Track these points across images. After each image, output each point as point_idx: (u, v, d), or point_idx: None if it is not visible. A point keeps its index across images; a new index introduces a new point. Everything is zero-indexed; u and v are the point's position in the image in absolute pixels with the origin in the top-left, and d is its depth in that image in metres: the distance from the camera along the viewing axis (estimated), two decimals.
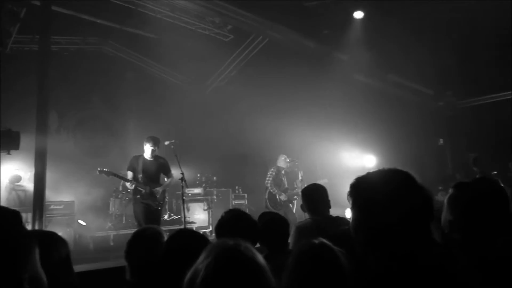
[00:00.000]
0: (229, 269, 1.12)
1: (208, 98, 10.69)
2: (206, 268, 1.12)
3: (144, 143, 5.70)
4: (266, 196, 7.34)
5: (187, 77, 10.83)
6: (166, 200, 6.20)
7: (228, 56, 9.77)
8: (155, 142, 5.68)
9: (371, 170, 1.34)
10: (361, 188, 1.28)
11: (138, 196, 5.62)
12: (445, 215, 1.83)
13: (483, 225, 1.60)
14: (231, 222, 2.47)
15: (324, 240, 1.62)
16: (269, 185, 7.33)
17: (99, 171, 5.67)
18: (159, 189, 5.75)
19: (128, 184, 5.63)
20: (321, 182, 7.63)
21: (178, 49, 8.49)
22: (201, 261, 1.16)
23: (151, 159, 5.73)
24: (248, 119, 9.70)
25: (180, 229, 2.25)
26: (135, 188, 5.60)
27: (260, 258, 1.18)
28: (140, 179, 5.64)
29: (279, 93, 9.22)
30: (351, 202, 1.30)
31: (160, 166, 5.86)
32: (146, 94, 9.60)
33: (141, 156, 5.75)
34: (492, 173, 8.76)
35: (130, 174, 5.68)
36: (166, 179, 6.01)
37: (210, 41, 8.67)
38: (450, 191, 1.86)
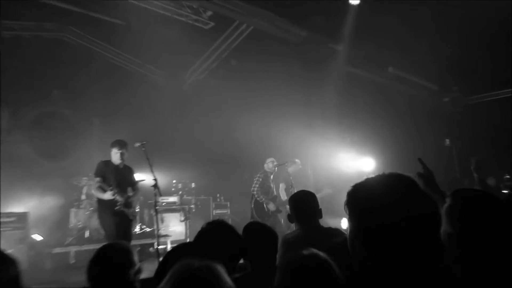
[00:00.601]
0: None
1: (185, 94, 10.63)
2: None
3: (110, 148, 5.67)
4: (252, 205, 7.32)
5: (161, 69, 10.75)
6: (137, 211, 6.16)
7: (208, 46, 9.72)
8: (122, 145, 5.66)
9: (370, 175, 1.33)
10: (359, 197, 1.28)
11: (117, 208, 5.56)
12: (444, 228, 1.83)
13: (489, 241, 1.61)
14: (211, 235, 2.44)
15: (315, 251, 1.61)
16: (255, 192, 7.30)
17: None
18: (134, 199, 5.78)
19: (108, 193, 5.47)
20: (323, 193, 7.73)
21: (151, 38, 8.42)
22: (162, 285, 1.15)
23: (122, 166, 5.74)
24: (231, 117, 9.67)
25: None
26: (114, 198, 5.52)
27: (225, 280, 1.18)
28: (113, 189, 5.58)
29: (265, 88, 9.22)
30: (348, 211, 1.30)
31: (130, 174, 5.89)
32: (114, 89, 9.47)
33: (110, 162, 5.71)
34: (505, 177, 8.92)
35: (99, 181, 5.60)
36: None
37: (187, 29, 8.60)
38: (448, 200, 1.87)
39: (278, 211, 7.38)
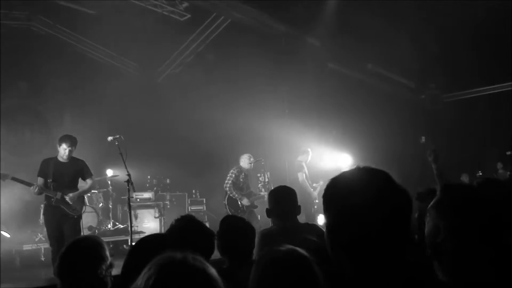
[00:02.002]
0: (174, 284, 1.10)
1: (159, 87, 10.54)
2: (146, 283, 1.10)
3: (58, 143, 5.63)
4: (226, 202, 7.33)
5: (135, 62, 10.61)
6: (85, 208, 6.11)
7: (183, 38, 9.66)
8: (72, 142, 5.62)
9: (346, 170, 1.35)
10: (336, 191, 1.28)
11: (45, 203, 5.62)
12: (434, 222, 1.86)
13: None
14: (182, 231, 2.44)
15: (293, 247, 1.63)
16: (227, 188, 7.31)
17: None
18: (72, 195, 5.65)
19: (31, 189, 5.49)
20: (317, 185, 7.84)
21: (124, 29, 8.29)
22: (141, 278, 1.13)
23: (65, 161, 5.67)
24: (207, 112, 9.64)
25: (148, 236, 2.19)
26: (45, 195, 5.57)
27: (211, 271, 1.17)
28: (49, 185, 5.56)
29: (243, 82, 9.23)
30: (324, 207, 1.30)
31: (77, 169, 5.82)
32: (85, 81, 9.33)
33: (53, 158, 5.69)
34: (477, 174, 9.20)
35: (41, 181, 5.59)
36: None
37: (162, 20, 8.53)
38: (440, 194, 1.89)
39: (253, 206, 7.42)
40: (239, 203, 7.28)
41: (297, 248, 1.66)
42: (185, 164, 9.74)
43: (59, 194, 5.55)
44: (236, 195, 7.27)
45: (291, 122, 9.39)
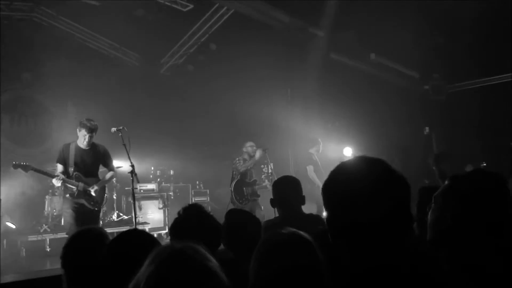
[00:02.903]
0: (173, 278, 1.09)
1: (162, 79, 10.52)
2: (147, 278, 1.10)
3: (78, 128, 5.37)
4: (232, 188, 7.27)
5: (137, 53, 10.59)
6: (106, 198, 5.89)
7: (186, 29, 9.62)
8: (92, 128, 5.35)
9: (345, 160, 1.34)
10: (334, 183, 1.29)
11: (67, 195, 5.31)
12: (441, 210, 1.85)
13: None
14: (188, 222, 2.44)
15: (295, 230, 1.62)
16: (240, 168, 7.22)
17: (14, 165, 5.27)
18: (96, 187, 5.45)
19: (54, 181, 5.23)
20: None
21: (127, 20, 8.26)
22: (143, 270, 1.13)
23: (87, 147, 5.44)
24: (210, 103, 9.64)
25: (128, 230, 2.18)
26: (65, 185, 5.27)
27: (212, 262, 1.17)
28: (71, 173, 5.32)
29: (246, 73, 9.19)
30: (324, 198, 1.30)
31: (98, 156, 5.58)
32: (89, 72, 9.32)
33: (73, 143, 5.43)
34: (481, 165, 9.16)
35: (60, 168, 5.34)
36: (107, 174, 5.76)
37: (165, 10, 8.49)
38: (448, 183, 1.88)
39: (256, 195, 7.39)
40: (244, 190, 7.25)
41: (300, 232, 1.65)
42: (189, 155, 9.76)
43: (81, 186, 5.33)
44: (247, 163, 7.24)
45: (295, 114, 9.38)
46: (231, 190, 7.28)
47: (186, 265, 1.12)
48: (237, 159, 7.38)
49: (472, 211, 1.56)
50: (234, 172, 7.33)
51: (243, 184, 7.30)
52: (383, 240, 1.18)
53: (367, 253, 1.19)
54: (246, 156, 7.39)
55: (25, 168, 5.28)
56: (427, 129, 12.20)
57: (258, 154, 7.32)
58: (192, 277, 1.11)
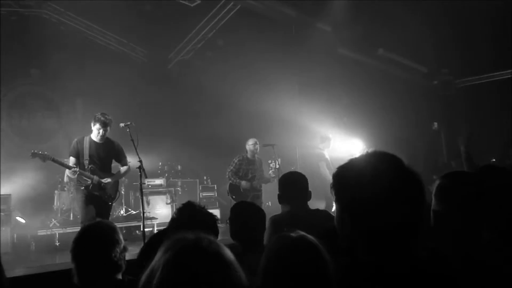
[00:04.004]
0: (190, 266, 1.11)
1: (170, 74, 10.55)
2: (163, 267, 1.11)
3: (92, 122, 5.42)
4: (228, 189, 7.26)
5: (145, 49, 10.62)
6: (119, 193, 5.95)
7: (194, 24, 9.63)
8: (105, 123, 5.40)
9: (355, 156, 1.30)
10: (345, 181, 1.25)
11: (83, 188, 5.37)
12: (434, 207, 1.87)
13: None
14: (186, 223, 2.44)
15: (303, 233, 1.64)
16: (227, 176, 7.23)
17: (33, 153, 5.31)
18: (109, 179, 5.53)
19: (69, 172, 5.30)
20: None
21: (134, 15, 8.29)
22: (157, 259, 1.14)
23: (101, 141, 5.49)
24: (218, 97, 9.64)
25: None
26: (79, 178, 5.33)
27: (227, 252, 1.18)
28: (86, 166, 5.38)
29: (253, 68, 9.19)
30: (334, 195, 1.28)
31: (112, 151, 5.64)
32: (96, 68, 9.33)
33: (87, 137, 5.48)
34: (491, 160, 9.10)
35: (72, 161, 5.38)
36: (120, 168, 5.82)
37: (172, 6, 8.50)
38: (440, 180, 1.89)
39: (254, 190, 7.28)
40: (240, 188, 7.24)
41: (307, 235, 1.66)
42: (196, 150, 9.77)
43: (96, 179, 5.39)
44: (234, 180, 7.15)
45: (302, 109, 9.36)
46: (227, 191, 7.26)
47: (202, 253, 1.13)
48: (230, 163, 7.29)
49: (464, 207, 1.57)
50: (227, 174, 7.30)
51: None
52: (394, 242, 1.16)
53: (375, 254, 1.17)
54: (240, 158, 7.29)
55: (44, 157, 5.32)
56: (435, 124, 12.13)
57: (247, 147, 7.33)
58: (208, 265, 1.12)
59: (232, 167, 7.24)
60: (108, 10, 8.25)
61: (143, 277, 1.16)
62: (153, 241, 2.80)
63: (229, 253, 1.18)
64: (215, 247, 1.17)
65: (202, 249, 1.14)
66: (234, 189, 7.22)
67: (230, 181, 7.22)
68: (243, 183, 7.16)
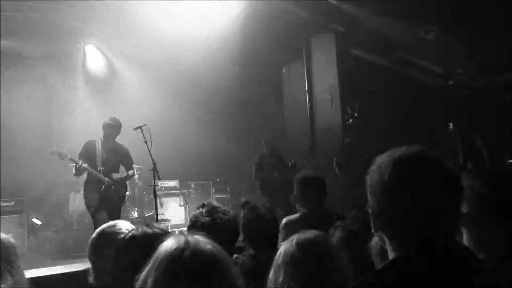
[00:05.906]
0: (176, 278, 1.12)
1: (182, 73, 10.57)
2: (156, 274, 1.14)
3: (102, 126, 5.66)
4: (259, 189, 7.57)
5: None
6: (128, 196, 6.16)
7: None
8: (112, 127, 5.65)
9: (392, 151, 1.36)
10: (384, 174, 1.28)
11: (95, 189, 5.56)
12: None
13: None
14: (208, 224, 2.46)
15: (317, 232, 1.64)
16: (254, 177, 7.53)
17: (53, 151, 5.55)
18: (119, 178, 5.77)
19: (76, 168, 5.46)
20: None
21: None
22: (145, 274, 1.17)
23: (110, 145, 5.72)
24: (230, 98, 9.64)
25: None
26: (91, 177, 5.55)
27: (217, 252, 1.19)
28: (98, 168, 5.57)
29: (267, 69, 9.19)
30: (369, 189, 1.33)
31: (120, 156, 5.85)
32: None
33: (98, 140, 5.71)
34: (508, 161, 8.97)
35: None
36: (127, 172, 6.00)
37: None
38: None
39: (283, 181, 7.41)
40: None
41: (321, 234, 1.66)
42: (210, 152, 9.79)
43: (108, 181, 5.61)
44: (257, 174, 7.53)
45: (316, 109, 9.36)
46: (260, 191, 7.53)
47: (187, 262, 1.14)
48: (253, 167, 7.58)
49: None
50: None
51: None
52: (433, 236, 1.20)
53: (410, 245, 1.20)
54: (258, 157, 7.62)
55: (62, 156, 5.50)
56: (451, 125, 11.99)
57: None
58: (199, 268, 1.14)
59: (254, 167, 7.61)
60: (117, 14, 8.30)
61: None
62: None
63: (222, 254, 1.19)
64: (208, 249, 1.18)
65: (186, 257, 1.15)
66: (264, 186, 7.48)
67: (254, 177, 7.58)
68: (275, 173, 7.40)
